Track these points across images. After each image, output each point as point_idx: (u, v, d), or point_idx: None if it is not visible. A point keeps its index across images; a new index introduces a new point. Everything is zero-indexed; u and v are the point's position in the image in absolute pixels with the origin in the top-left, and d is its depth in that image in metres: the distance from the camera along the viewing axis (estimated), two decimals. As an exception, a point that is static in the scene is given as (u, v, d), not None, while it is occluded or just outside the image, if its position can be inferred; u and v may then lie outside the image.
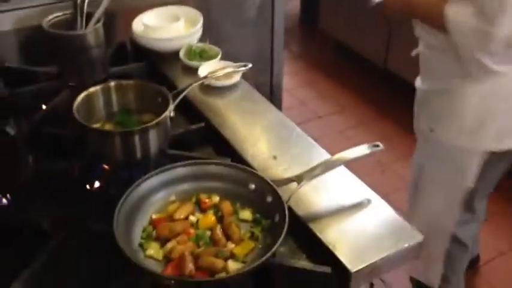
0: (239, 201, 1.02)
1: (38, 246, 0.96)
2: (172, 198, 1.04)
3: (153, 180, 1.02)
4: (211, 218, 0.99)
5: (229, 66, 1.28)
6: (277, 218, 0.96)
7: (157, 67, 1.53)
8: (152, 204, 1.02)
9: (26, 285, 0.90)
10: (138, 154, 1.10)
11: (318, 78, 3.42)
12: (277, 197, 0.97)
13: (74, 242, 1.00)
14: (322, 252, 0.97)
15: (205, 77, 1.25)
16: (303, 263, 0.96)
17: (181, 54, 1.51)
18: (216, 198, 1.03)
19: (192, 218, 0.99)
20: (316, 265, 0.94)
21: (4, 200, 1.09)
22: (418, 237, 0.99)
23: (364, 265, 0.94)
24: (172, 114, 1.14)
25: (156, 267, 0.91)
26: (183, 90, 1.20)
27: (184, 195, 1.04)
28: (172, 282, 0.88)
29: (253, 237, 0.97)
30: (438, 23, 1.27)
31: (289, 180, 1.01)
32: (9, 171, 1.16)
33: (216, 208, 1.01)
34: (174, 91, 1.20)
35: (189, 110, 1.34)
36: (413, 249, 0.99)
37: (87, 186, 1.13)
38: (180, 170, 1.04)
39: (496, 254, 2.18)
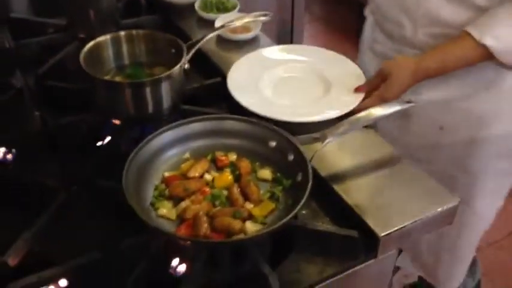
0: (258, 160, 0.95)
1: (46, 202, 0.90)
2: (187, 155, 0.97)
3: (165, 136, 0.95)
4: (228, 176, 0.92)
5: (247, 17, 1.18)
6: (299, 178, 0.88)
7: (171, 20, 1.44)
8: (165, 161, 0.95)
9: (33, 240, 0.84)
10: (150, 108, 1.03)
11: (339, 42, 3.29)
12: (299, 155, 0.89)
13: (82, 198, 0.93)
14: (348, 216, 0.90)
15: (222, 27, 1.15)
16: (327, 226, 0.89)
17: (197, 6, 1.42)
18: (233, 156, 0.96)
19: (208, 177, 0.92)
20: (341, 228, 0.87)
21: (9, 156, 1.03)
22: (454, 201, 0.91)
23: (393, 229, 0.86)
24: (186, 66, 1.05)
25: (169, 227, 0.85)
26: (198, 41, 1.11)
27: (199, 153, 0.97)
28: (187, 243, 0.82)
29: (273, 197, 0.90)
30: (481, 58, 1.07)
31: (313, 138, 0.93)
32: (15, 125, 1.10)
33: (233, 166, 0.94)
34: (189, 42, 1.11)
35: (204, 64, 1.26)
36: (448, 213, 0.91)
37: (96, 142, 1.06)
38: (195, 126, 0.97)
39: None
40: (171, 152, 0.96)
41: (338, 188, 0.93)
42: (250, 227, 0.84)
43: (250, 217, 0.86)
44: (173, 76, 1.02)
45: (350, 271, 0.86)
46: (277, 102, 1.12)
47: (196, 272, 0.81)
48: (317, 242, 0.87)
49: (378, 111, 0.95)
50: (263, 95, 1.14)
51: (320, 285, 0.84)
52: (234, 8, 1.41)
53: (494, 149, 1.20)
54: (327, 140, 0.92)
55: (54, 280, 0.78)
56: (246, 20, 1.17)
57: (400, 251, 0.93)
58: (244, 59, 1.23)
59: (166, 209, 0.87)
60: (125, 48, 1.12)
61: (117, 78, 1.10)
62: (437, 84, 1.15)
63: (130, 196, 0.83)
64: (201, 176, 0.92)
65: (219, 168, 0.95)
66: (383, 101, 1.03)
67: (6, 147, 1.03)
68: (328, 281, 0.84)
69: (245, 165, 0.93)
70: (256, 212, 0.87)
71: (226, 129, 0.98)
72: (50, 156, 1.03)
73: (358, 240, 0.86)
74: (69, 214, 0.91)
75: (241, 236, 0.82)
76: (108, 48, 1.10)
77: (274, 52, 1.26)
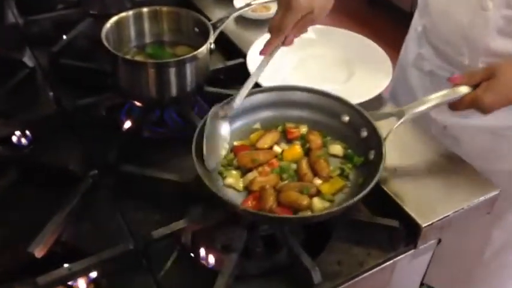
0: (329, 134, 0.92)
1: (68, 189, 0.85)
2: (257, 125, 0.94)
3: (235, 105, 0.91)
4: (297, 149, 0.89)
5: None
6: (372, 156, 0.85)
7: (186, -2, 1.37)
8: (234, 130, 0.92)
9: (59, 230, 0.79)
10: (173, 90, 0.98)
11: (344, 26, 3.21)
12: (374, 132, 0.85)
13: (106, 185, 0.89)
14: (387, 205, 0.86)
15: (249, 5, 1.09)
16: (367, 215, 0.85)
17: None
18: (304, 129, 0.93)
19: (277, 149, 0.90)
20: (382, 218, 0.83)
21: (24, 140, 0.97)
22: (494, 190, 0.88)
23: (435, 219, 0.83)
24: (212, 46, 1.00)
25: (235, 198, 0.83)
26: (222, 21, 1.06)
27: (269, 124, 0.94)
28: (252, 216, 0.79)
29: (343, 174, 0.87)
30: None
31: (388, 114, 0.87)
32: (29, 106, 1.04)
33: (304, 140, 0.91)
34: (212, 21, 1.05)
35: (224, 44, 1.20)
36: (488, 202, 0.88)
37: (116, 125, 1.01)
38: (265, 96, 0.94)
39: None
40: (241, 122, 0.93)
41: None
42: (317, 204, 0.81)
43: (318, 193, 0.83)
44: (199, 57, 0.96)
45: (391, 262, 0.83)
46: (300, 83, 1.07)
47: (232, 262, 0.77)
48: (357, 232, 0.83)
49: (466, 90, 0.86)
50: (284, 77, 1.10)
51: (360, 277, 0.80)
52: (252, -15, 1.35)
53: None
54: (403, 118, 0.85)
55: (86, 272, 0.74)
56: (273, -2, 1.10)
57: (439, 241, 0.90)
58: (265, 38, 1.17)
59: (233, 179, 0.85)
60: (147, 25, 1.06)
61: (138, 58, 1.04)
62: None
63: (198, 165, 0.80)
64: (270, 148, 0.90)
65: (289, 141, 0.92)
66: (477, 104, 0.86)
67: (22, 131, 0.97)
68: (368, 273, 0.81)
69: (316, 139, 0.90)
70: (325, 188, 0.84)
71: (298, 101, 0.94)
72: (68, 140, 0.97)
73: (399, 230, 0.82)
74: (94, 201, 0.86)
75: (308, 213, 0.79)
76: (130, 25, 1.05)
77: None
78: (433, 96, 0.87)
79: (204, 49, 0.97)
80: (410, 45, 1.25)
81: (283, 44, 0.91)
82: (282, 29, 0.88)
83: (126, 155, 0.93)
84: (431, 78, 1.16)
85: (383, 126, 0.87)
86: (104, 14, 1.23)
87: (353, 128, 0.90)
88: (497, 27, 0.99)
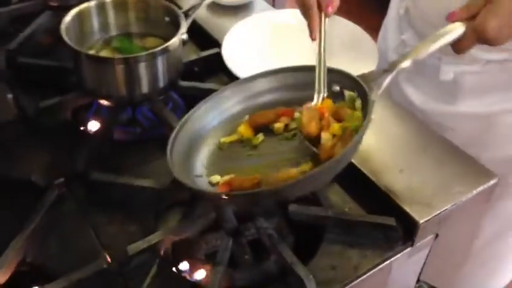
0: None
1: (34, 203, 0.77)
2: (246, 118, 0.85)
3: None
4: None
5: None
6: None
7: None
8: (217, 126, 0.84)
9: (24, 249, 0.72)
10: (145, 87, 0.90)
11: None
12: (363, 92, 0.75)
13: (75, 196, 0.81)
14: (379, 200, 0.80)
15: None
16: (360, 214, 0.79)
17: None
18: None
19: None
20: (377, 216, 0.77)
21: (-19, 148, 0.89)
22: (493, 178, 0.83)
23: (433, 214, 0.78)
24: (185, 37, 0.92)
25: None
26: (194, 8, 0.98)
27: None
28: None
29: None
30: None
31: (381, 72, 0.76)
32: (-15, 111, 0.95)
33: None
34: (183, 10, 0.97)
35: (196, 33, 1.12)
36: (487, 191, 0.83)
37: (83, 128, 0.93)
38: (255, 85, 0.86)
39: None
40: (226, 114, 0.85)
41: (367, 170, 0.83)
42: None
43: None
44: (171, 49, 0.88)
45: (387, 262, 0.77)
46: None
47: (218, 274, 0.71)
48: (350, 232, 0.77)
49: (461, 25, 0.76)
50: (263, 66, 1.02)
51: (356, 281, 0.75)
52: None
53: None
54: (397, 69, 0.75)
55: (56, 297, 0.66)
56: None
57: (436, 236, 0.85)
58: (240, 26, 1.10)
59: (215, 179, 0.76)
60: (111, 17, 0.97)
61: (104, 53, 0.96)
62: (477, 96, 1.02)
63: (176, 166, 0.72)
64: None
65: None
66: (481, 34, 0.75)
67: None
68: (364, 276, 0.75)
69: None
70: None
71: (281, 85, 0.86)
72: (30, 147, 0.89)
73: (395, 228, 0.77)
74: (62, 215, 0.78)
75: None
76: (92, 17, 0.96)
77: (271, 17, 1.14)
78: (429, 39, 0.77)
79: (175, 40, 0.89)
80: (390, 30, 1.18)
81: (325, 13, 0.85)
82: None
83: (96, 161, 0.85)
84: (416, 66, 1.09)
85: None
86: (64, 6, 1.13)
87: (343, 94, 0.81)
88: None
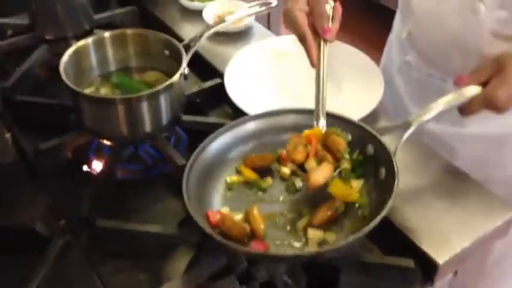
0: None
1: (38, 254, 0.74)
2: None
3: (224, 138, 0.83)
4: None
5: (250, 7, 1.01)
6: (382, 174, 0.75)
7: (148, 11, 1.26)
8: (224, 166, 0.83)
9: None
10: (148, 126, 0.87)
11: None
12: (381, 148, 0.76)
13: (81, 244, 0.78)
14: (396, 240, 0.77)
15: (223, 21, 0.98)
16: (379, 256, 0.76)
17: (179, -7, 1.25)
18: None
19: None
20: (396, 258, 0.74)
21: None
22: (511, 211, 0.80)
23: (453, 254, 0.75)
24: (186, 71, 0.89)
25: None
26: (194, 40, 0.95)
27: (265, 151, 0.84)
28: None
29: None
30: None
31: (394, 127, 0.78)
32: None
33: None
34: (184, 42, 0.94)
35: (198, 63, 1.09)
36: (506, 225, 0.80)
37: (85, 168, 0.90)
38: (255, 124, 0.85)
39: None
40: (231, 155, 0.84)
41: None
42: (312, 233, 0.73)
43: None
44: (174, 85, 0.85)
45: (406, 305, 0.74)
46: (282, 105, 0.96)
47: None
48: (367, 274, 0.74)
49: (474, 90, 0.78)
50: (266, 96, 1.00)
51: (375, 326, 0.72)
52: (221, -6, 1.24)
53: None
54: (411, 129, 0.76)
55: None
56: (251, 12, 1.00)
57: (455, 273, 0.82)
58: (241, 55, 1.07)
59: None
60: (110, 52, 0.94)
61: (103, 90, 0.93)
62: (486, 117, 1.02)
63: (194, 210, 0.71)
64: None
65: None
66: (490, 103, 0.77)
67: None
68: (384, 321, 0.72)
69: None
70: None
71: (291, 125, 0.84)
72: (31, 191, 0.85)
73: (414, 270, 0.74)
74: (68, 264, 0.75)
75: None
76: (91, 53, 0.93)
77: (272, 44, 1.11)
78: (440, 101, 0.78)
79: (177, 77, 0.86)
80: (394, 51, 1.16)
81: (323, 39, 0.84)
82: (299, 24, 0.82)
83: (99, 205, 0.82)
84: (420, 86, 1.08)
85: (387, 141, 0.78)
86: (60, 39, 1.12)
87: (358, 146, 0.80)
88: (490, 30, 0.90)
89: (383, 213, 0.68)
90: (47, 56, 1.09)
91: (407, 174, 0.85)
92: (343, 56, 1.05)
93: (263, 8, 0.98)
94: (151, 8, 1.26)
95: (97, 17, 1.18)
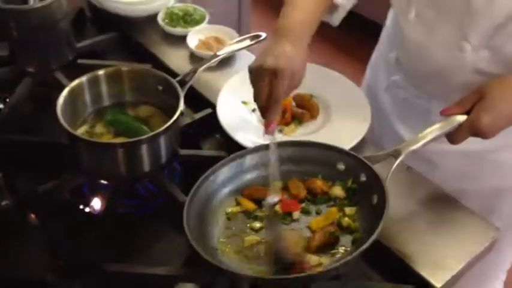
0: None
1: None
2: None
3: (221, 173, 0.86)
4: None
5: (239, 41, 1.02)
6: (375, 200, 0.80)
7: (131, 37, 1.25)
8: (222, 199, 0.87)
9: None
10: (147, 166, 0.87)
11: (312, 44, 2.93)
12: (373, 176, 0.81)
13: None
14: (395, 266, 0.82)
15: (215, 56, 0.99)
16: (381, 284, 0.80)
17: (161, 19, 1.25)
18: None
19: None
20: (397, 285, 0.79)
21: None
22: (495, 231, 0.86)
23: (449, 276, 0.80)
24: (183, 107, 0.90)
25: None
26: (188, 77, 0.95)
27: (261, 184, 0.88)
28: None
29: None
30: None
31: (385, 155, 0.83)
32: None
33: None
34: (178, 78, 0.95)
35: (188, 94, 1.09)
36: (492, 244, 0.86)
37: (84, 210, 0.89)
38: (249, 158, 0.88)
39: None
40: (228, 189, 0.87)
41: (380, 236, 0.84)
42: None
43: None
44: (172, 126, 0.86)
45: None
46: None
47: None
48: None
49: (460, 118, 0.83)
50: (255, 131, 1.02)
51: None
52: (203, 19, 1.25)
53: None
54: (401, 157, 0.81)
55: None
56: (243, 45, 1.01)
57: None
58: (230, 84, 1.08)
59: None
60: (104, 88, 0.94)
61: (98, 128, 0.93)
62: None
63: (197, 243, 0.74)
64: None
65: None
66: (475, 128, 0.82)
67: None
68: None
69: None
70: None
71: (285, 156, 0.88)
72: (29, 238, 0.85)
73: (415, 295, 0.78)
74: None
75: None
76: (85, 92, 0.93)
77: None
78: (428, 130, 0.84)
79: (177, 115, 0.87)
80: (381, 70, 1.19)
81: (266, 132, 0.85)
82: (278, 99, 0.82)
83: (102, 245, 0.83)
84: (407, 105, 1.11)
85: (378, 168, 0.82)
86: (44, 71, 1.10)
87: (350, 175, 0.85)
88: (474, 68, 0.94)
89: (373, 237, 0.72)
90: (30, 89, 1.07)
91: (400, 201, 0.89)
92: (331, 84, 1.08)
93: (253, 42, 0.99)
94: (133, 33, 1.25)
95: (80, 45, 1.17)
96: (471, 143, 1.06)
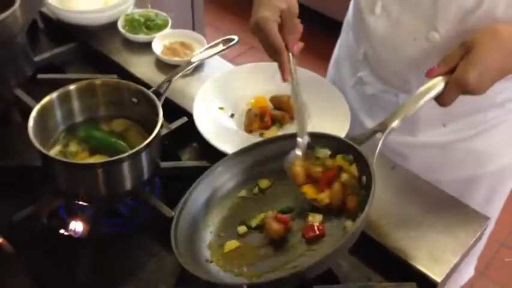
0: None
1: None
2: (242, 193, 0.85)
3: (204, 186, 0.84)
4: None
5: (212, 46, 0.99)
6: (364, 181, 0.76)
7: (92, 48, 1.19)
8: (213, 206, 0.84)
9: None
10: (128, 184, 0.83)
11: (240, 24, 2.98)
12: (360, 157, 0.77)
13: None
14: (394, 264, 0.81)
15: (190, 63, 0.96)
16: (382, 285, 0.80)
17: (121, 26, 1.19)
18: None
19: None
20: (399, 283, 0.78)
21: None
22: (486, 219, 0.87)
23: (448, 269, 0.80)
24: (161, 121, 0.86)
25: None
26: (161, 87, 0.91)
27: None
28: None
29: None
30: None
31: (371, 132, 0.79)
32: None
33: None
34: (152, 89, 0.91)
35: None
36: (482, 234, 0.87)
37: (66, 233, 0.84)
38: (238, 160, 0.87)
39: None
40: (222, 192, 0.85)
41: (374, 234, 0.83)
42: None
43: None
44: (153, 141, 0.82)
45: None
46: (251, 139, 0.96)
47: None
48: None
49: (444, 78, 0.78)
50: (234, 130, 0.99)
51: None
52: (165, 24, 1.21)
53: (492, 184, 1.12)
54: (388, 129, 0.77)
55: None
56: (217, 50, 0.98)
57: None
58: (205, 90, 1.04)
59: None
60: (75, 104, 0.89)
61: (71, 146, 0.87)
62: (435, 127, 1.04)
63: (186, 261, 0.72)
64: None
65: None
66: (462, 85, 0.76)
67: None
68: None
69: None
70: None
71: (273, 154, 0.86)
72: (13, 275, 0.79)
73: (417, 290, 0.78)
74: None
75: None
76: (56, 109, 0.87)
77: (235, 74, 1.09)
78: (413, 97, 0.79)
79: (158, 129, 0.82)
80: (345, 67, 1.17)
81: (291, 53, 0.87)
82: (276, 41, 0.85)
83: (97, 271, 0.79)
84: (374, 100, 1.10)
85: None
86: (2, 88, 1.03)
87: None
88: None
89: (362, 216, 0.70)
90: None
91: (390, 198, 0.89)
92: (305, 83, 1.06)
93: (225, 47, 0.96)
94: (92, 42, 1.19)
95: (36, 59, 1.11)
96: (438, 135, 1.08)
